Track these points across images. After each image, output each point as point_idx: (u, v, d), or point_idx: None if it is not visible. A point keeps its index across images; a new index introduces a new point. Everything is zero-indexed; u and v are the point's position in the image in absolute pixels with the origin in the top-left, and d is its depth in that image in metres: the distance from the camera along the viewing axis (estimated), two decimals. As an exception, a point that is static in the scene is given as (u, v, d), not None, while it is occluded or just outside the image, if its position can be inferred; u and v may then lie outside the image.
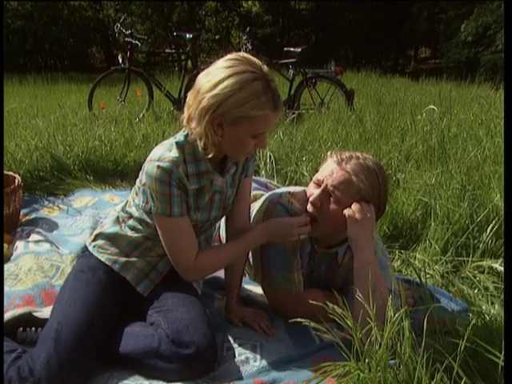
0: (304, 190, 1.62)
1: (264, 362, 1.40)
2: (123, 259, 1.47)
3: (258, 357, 1.42)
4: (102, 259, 1.47)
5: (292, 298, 1.56)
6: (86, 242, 1.58)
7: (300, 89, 5.31)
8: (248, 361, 1.41)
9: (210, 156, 1.36)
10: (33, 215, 2.58)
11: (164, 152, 1.34)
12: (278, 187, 2.27)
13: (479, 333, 1.23)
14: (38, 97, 7.64)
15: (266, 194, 1.78)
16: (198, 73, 1.33)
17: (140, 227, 1.46)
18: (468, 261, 1.89)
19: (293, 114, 4.37)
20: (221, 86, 1.23)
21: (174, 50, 6.53)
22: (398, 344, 1.15)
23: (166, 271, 1.51)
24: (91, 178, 3.16)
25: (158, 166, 1.30)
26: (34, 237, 2.22)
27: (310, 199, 1.47)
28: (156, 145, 1.43)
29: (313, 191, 1.48)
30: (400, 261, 2.06)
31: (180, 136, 1.39)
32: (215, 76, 1.25)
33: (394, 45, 20.88)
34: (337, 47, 21.05)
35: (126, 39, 5.21)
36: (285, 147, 3.36)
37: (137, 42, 5.19)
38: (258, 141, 1.33)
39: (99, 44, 20.81)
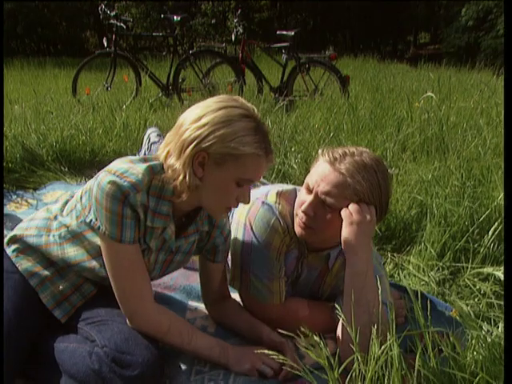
0: (294, 189, 1.45)
1: (234, 391, 1.22)
2: (44, 273, 1.24)
3: None
4: (20, 268, 1.25)
5: (272, 309, 1.39)
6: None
7: (293, 74, 5.10)
8: (216, 388, 1.23)
9: (178, 201, 1.16)
10: (-2, 211, 2.39)
11: (129, 169, 1.12)
12: (263, 182, 2.09)
13: (479, 360, 1.06)
14: (24, 81, 7.42)
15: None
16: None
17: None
18: (467, 267, 1.72)
19: (283, 100, 4.16)
20: (209, 117, 1.08)
21: (161, 34, 6.26)
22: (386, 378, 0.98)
23: (91, 295, 1.29)
24: (66, 169, 2.97)
25: (114, 182, 1.08)
26: (-8, 236, 2.03)
27: (302, 208, 1.29)
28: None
29: (305, 198, 1.30)
30: (392, 264, 1.89)
31: (156, 162, 1.17)
32: (203, 108, 1.10)
33: (394, 30, 20.58)
34: (335, 32, 20.76)
35: (110, 21, 4.97)
36: (273, 137, 3.16)
37: (122, 24, 4.95)
38: (240, 192, 1.15)
39: (93, 28, 20.45)
